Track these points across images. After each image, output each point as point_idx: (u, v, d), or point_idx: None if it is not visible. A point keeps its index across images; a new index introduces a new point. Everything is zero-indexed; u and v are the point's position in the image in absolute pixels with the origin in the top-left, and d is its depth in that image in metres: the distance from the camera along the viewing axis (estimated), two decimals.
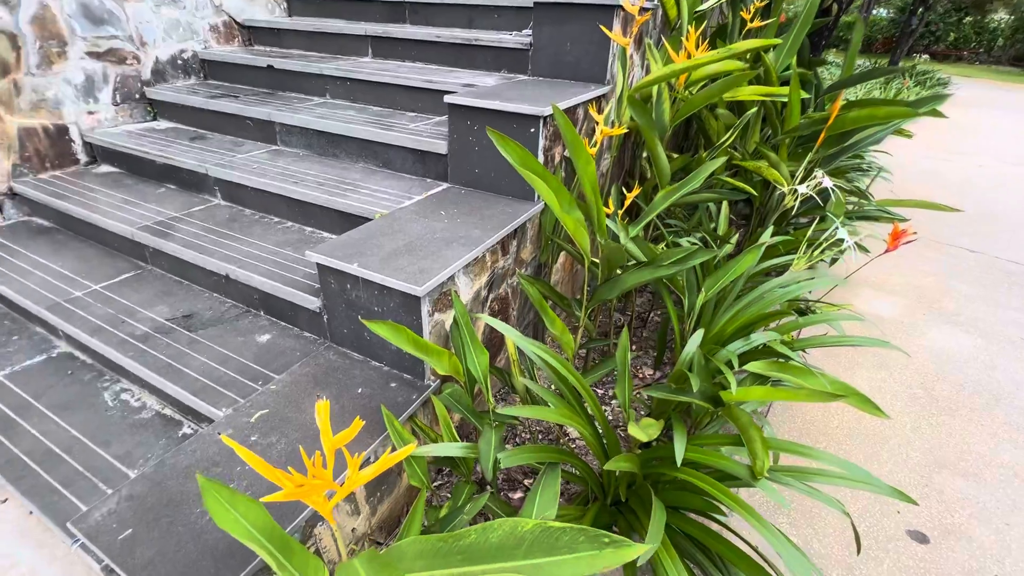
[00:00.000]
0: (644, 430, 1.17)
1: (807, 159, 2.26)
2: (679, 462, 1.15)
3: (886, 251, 1.69)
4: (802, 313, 2.06)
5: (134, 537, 1.02)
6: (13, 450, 1.43)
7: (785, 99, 2.52)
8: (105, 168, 2.57)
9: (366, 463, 1.28)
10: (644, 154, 2.72)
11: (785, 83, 3.01)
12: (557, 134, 1.91)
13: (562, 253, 2.30)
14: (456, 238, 1.55)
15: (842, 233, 1.78)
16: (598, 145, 1.78)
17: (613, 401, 2.07)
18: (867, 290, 2.97)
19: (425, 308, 1.37)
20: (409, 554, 0.77)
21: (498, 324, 1.30)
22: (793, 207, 2.39)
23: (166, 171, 2.35)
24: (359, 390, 1.42)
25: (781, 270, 2.57)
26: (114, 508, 1.08)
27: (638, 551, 0.70)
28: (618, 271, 1.78)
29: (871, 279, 3.09)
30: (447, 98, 1.81)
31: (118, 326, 1.68)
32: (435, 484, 1.67)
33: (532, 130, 1.75)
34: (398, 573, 0.66)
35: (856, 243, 2.17)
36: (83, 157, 2.58)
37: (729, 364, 1.50)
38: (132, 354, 1.55)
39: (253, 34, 3.12)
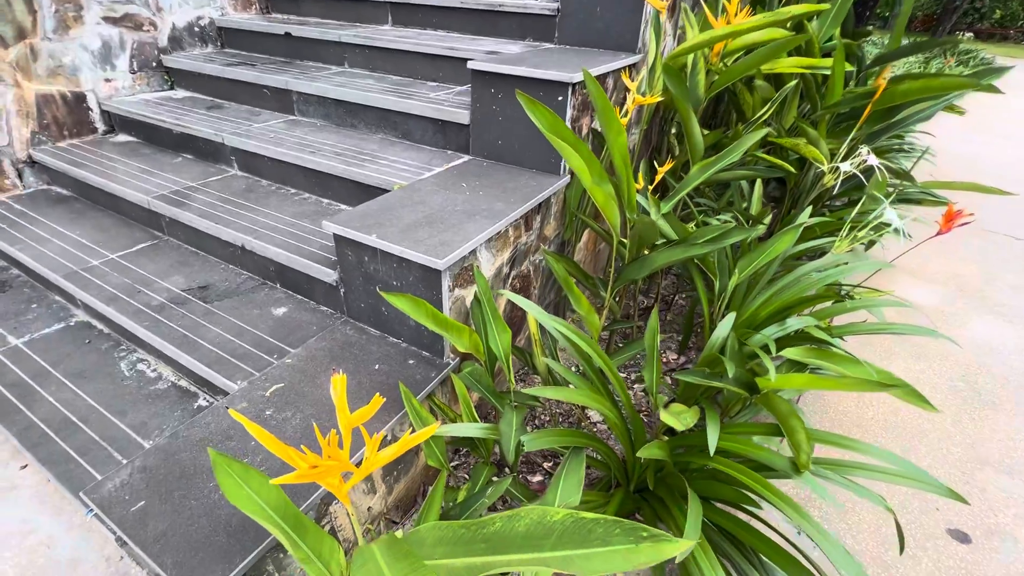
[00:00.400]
0: (676, 417, 1.10)
1: (851, 135, 2.12)
2: (712, 451, 1.08)
3: (938, 234, 1.57)
4: (840, 299, 1.96)
5: (146, 510, 0.99)
6: (31, 417, 1.42)
7: (827, 71, 2.37)
8: (122, 137, 2.54)
9: (384, 443, 1.24)
10: (672, 130, 2.59)
11: (827, 55, 2.84)
12: (585, 104, 1.81)
13: (586, 231, 2.22)
14: (478, 211, 1.48)
15: (890, 214, 1.67)
16: (628, 116, 1.68)
17: (636, 385, 2.00)
18: (904, 277, 2.83)
19: (446, 283, 1.30)
20: (429, 540, 0.72)
21: (522, 301, 1.23)
22: (833, 187, 2.26)
23: (183, 140, 2.31)
24: (376, 366, 1.38)
25: (813, 255, 2.45)
26: (127, 479, 1.05)
27: (678, 547, 0.64)
28: (646, 250, 1.69)
29: (909, 266, 2.94)
30: (470, 64, 1.72)
31: (134, 296, 1.65)
32: (451, 464, 1.63)
33: (560, 98, 1.66)
34: (418, 561, 0.61)
35: (900, 227, 2.05)
36: (101, 126, 2.55)
37: (765, 349, 1.41)
38: (147, 324, 1.53)
39: (271, 1, 3.03)
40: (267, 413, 1.21)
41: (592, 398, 1.16)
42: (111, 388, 1.52)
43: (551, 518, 0.69)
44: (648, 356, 1.41)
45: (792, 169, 2.07)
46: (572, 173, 1.81)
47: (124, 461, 1.29)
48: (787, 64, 2.22)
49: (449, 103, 1.95)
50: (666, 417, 1.08)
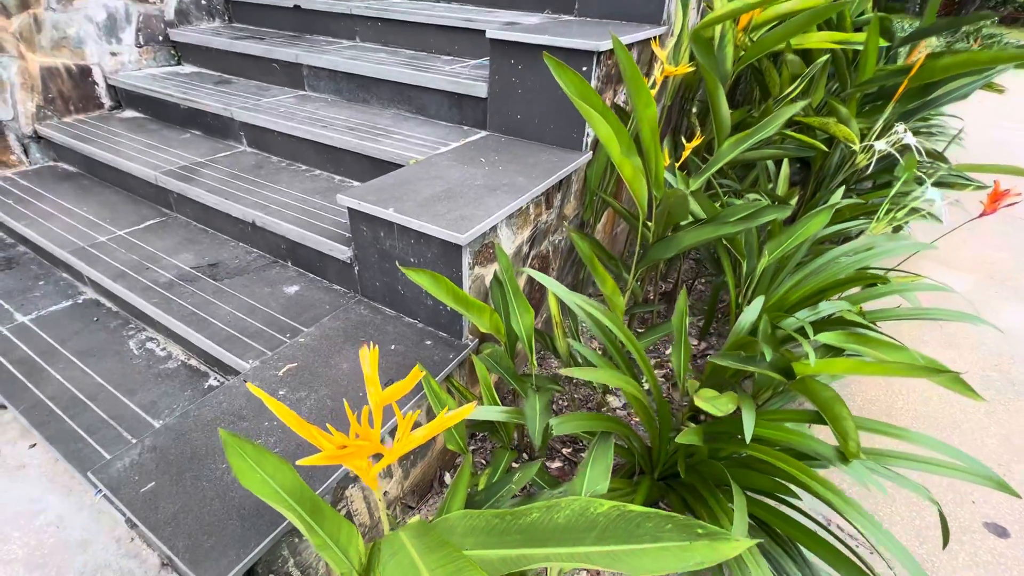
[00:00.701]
0: (711, 402, 1.04)
1: (887, 111, 2.02)
2: (748, 438, 1.02)
3: (982, 215, 1.49)
4: (880, 280, 1.88)
5: (157, 491, 0.95)
6: (38, 395, 1.38)
7: (860, 47, 2.26)
8: (129, 113, 2.48)
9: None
10: (693, 109, 2.50)
11: (859, 29, 2.71)
12: (609, 77, 1.72)
13: (604, 214, 2.14)
14: (499, 186, 1.41)
15: (933, 193, 1.58)
16: (657, 87, 1.59)
17: (657, 371, 1.94)
18: (932, 265, 2.73)
19: (466, 260, 1.24)
20: (459, 529, 0.66)
21: (544, 279, 1.17)
22: (868, 166, 2.15)
23: (190, 116, 2.24)
24: (392, 347, 1.32)
25: (836, 240, 2.36)
26: (136, 459, 1.01)
27: (737, 547, 0.58)
28: (672, 230, 1.62)
29: (936, 253, 2.84)
30: (490, 33, 1.63)
31: (142, 272, 1.61)
32: (469, 449, 1.59)
33: (584, 69, 1.57)
34: (455, 551, 0.55)
35: (931, 212, 1.96)
36: (107, 101, 2.49)
37: (802, 332, 1.35)
38: (156, 301, 1.48)
39: None
40: (280, 393, 1.17)
41: (622, 379, 1.10)
42: (120, 367, 1.48)
43: (594, 510, 0.63)
44: (676, 338, 1.35)
45: (825, 148, 1.97)
46: (595, 149, 1.74)
47: (133, 441, 1.25)
48: (817, 39, 2.12)
49: (466, 76, 1.87)
50: (701, 402, 1.02)
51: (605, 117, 1.22)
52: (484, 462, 1.53)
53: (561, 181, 1.63)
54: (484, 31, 1.69)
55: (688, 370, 1.77)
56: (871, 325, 1.35)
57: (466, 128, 1.89)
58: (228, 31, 2.61)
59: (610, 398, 1.78)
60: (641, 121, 1.39)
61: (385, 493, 1.25)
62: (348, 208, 1.34)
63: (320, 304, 1.49)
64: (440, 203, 1.30)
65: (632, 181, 1.37)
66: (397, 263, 1.36)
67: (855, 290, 1.60)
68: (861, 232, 2.60)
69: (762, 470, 1.15)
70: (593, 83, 1.61)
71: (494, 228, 1.32)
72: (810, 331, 1.29)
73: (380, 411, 0.52)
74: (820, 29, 2.37)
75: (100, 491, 1.14)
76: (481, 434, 1.60)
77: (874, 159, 1.92)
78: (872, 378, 2.00)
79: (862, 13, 2.58)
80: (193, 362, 1.51)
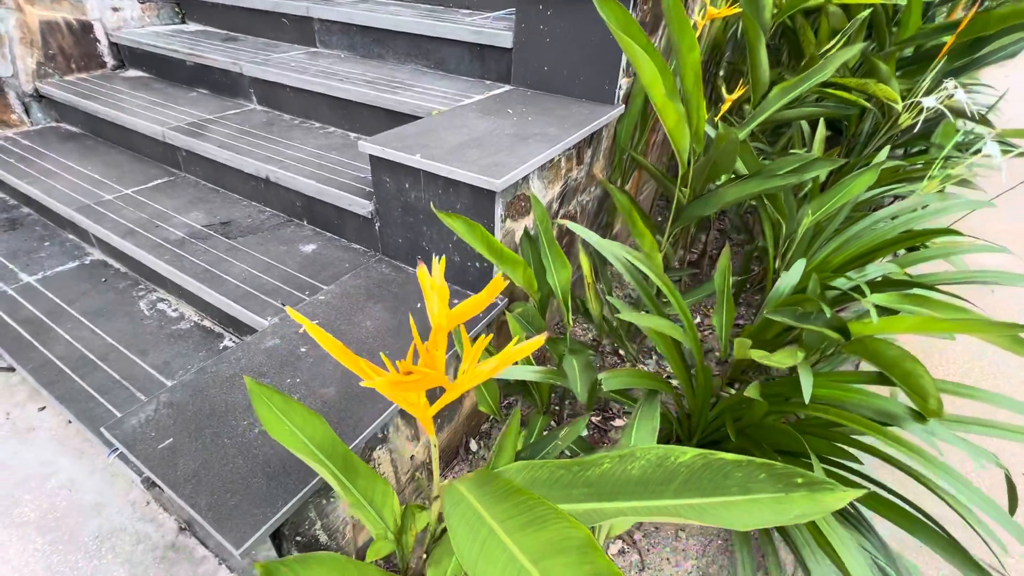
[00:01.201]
0: (769, 358, 0.96)
1: (933, 68, 1.90)
2: (807, 397, 0.95)
3: None
4: (912, 248, 1.79)
5: (175, 447, 0.88)
6: (46, 354, 1.32)
7: (903, 0, 2.13)
8: (133, 72, 2.38)
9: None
10: (720, 72, 2.38)
11: None
12: (644, 24, 1.61)
13: (631, 176, 2.04)
14: (531, 135, 1.31)
15: (992, 148, 1.48)
16: (699, 31, 1.48)
17: None
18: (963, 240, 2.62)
19: (498, 210, 1.16)
20: (519, 481, 0.59)
21: (579, 229, 1.09)
22: (913, 126, 2.03)
23: (197, 73, 2.14)
24: (417, 304, 1.25)
25: (870, 208, 2.26)
26: (152, 416, 0.94)
27: (843, 498, 0.51)
28: (711, 186, 1.53)
29: (968, 226, 2.73)
30: None
31: (151, 230, 1.53)
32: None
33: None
34: (530, 497, 0.48)
35: (1002, 163, 1.84)
36: (110, 60, 2.38)
37: (857, 291, 1.26)
38: (168, 258, 1.40)
39: None
40: (301, 351, 1.10)
41: (675, 329, 1.02)
42: (130, 327, 1.41)
43: (675, 459, 0.56)
44: (719, 298, 1.26)
45: (868, 105, 1.86)
46: (627, 103, 1.63)
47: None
48: None
49: (488, 26, 1.76)
50: (760, 357, 0.94)
51: (650, 54, 1.12)
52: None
53: (592, 135, 1.53)
54: None
55: (729, 334, 1.68)
56: (928, 286, 1.26)
57: (488, 82, 1.79)
58: None
59: (640, 368, 1.71)
60: (684, 67, 1.29)
61: (412, 457, 1.18)
62: (370, 156, 1.25)
63: (339, 262, 1.41)
64: (470, 150, 1.21)
65: (675, 130, 1.28)
66: (420, 218, 1.28)
67: (899, 253, 1.51)
68: (896, 199, 2.49)
69: (817, 433, 1.08)
70: None
71: (526, 179, 1.23)
72: (867, 290, 1.20)
73: (445, 336, 0.44)
74: None
75: (115, 450, 1.08)
76: (510, 399, 1.54)
77: (921, 118, 1.81)
78: (965, 333, 1.91)
79: None
80: (207, 323, 1.44)
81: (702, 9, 1.47)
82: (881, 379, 1.07)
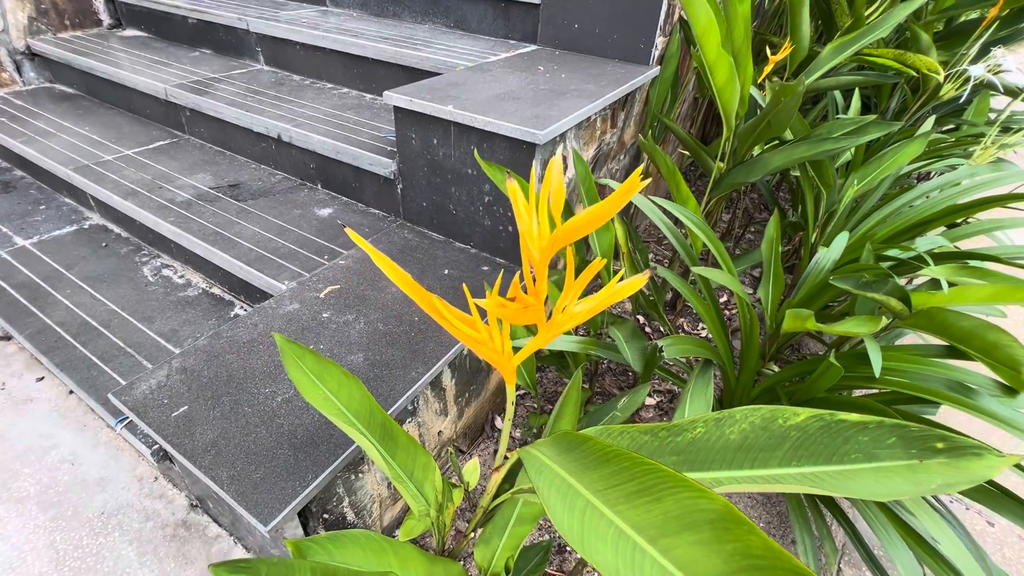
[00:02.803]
0: (841, 325, 0.89)
1: (977, 35, 1.81)
2: (877, 371, 0.88)
3: None
4: (953, 225, 1.71)
5: (190, 416, 0.80)
6: (45, 320, 1.23)
7: None
8: (131, 31, 2.25)
9: (459, 356, 1.04)
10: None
11: None
12: None
13: (661, 143, 1.95)
14: (568, 90, 1.22)
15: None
16: None
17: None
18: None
19: (537, 168, 1.07)
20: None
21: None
22: (957, 96, 1.93)
23: (200, 31, 2.02)
24: (445, 271, 1.16)
25: (901, 186, 2.18)
26: (164, 381, 0.86)
27: (997, 464, 0.43)
28: (754, 152, 1.44)
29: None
30: None
31: (155, 191, 1.43)
32: (519, 393, 1.45)
33: None
34: (638, 461, 0.40)
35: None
36: (106, 18, 2.25)
37: (914, 262, 1.19)
38: (173, 220, 1.31)
39: None
40: (324, 316, 1.01)
41: (736, 284, 0.95)
42: (134, 294, 1.32)
43: (784, 421, 0.48)
44: (766, 268, 1.19)
45: (914, 73, 1.77)
46: (661, 63, 1.54)
47: None
48: None
49: None
50: (835, 327, 0.87)
51: None
52: (534, 407, 1.39)
53: (627, 97, 1.44)
54: None
55: (776, 306, 1.61)
56: (992, 257, 1.19)
57: (513, 42, 1.68)
58: None
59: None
60: (733, 19, 1.19)
61: (440, 433, 1.11)
62: (395, 108, 1.15)
63: (358, 227, 1.32)
64: (505, 103, 1.12)
65: (724, 88, 1.18)
66: (448, 177, 1.19)
67: (941, 229, 1.44)
68: (919, 178, 2.41)
69: (882, 411, 1.01)
70: None
71: (564, 136, 1.14)
72: (929, 260, 1.13)
73: (547, 261, 0.36)
74: None
75: (123, 419, 1.00)
76: (545, 372, 1.46)
77: (968, 87, 1.71)
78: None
79: None
80: (216, 290, 1.35)
81: None
82: (949, 353, 1.00)
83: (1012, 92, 2.05)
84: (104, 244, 1.49)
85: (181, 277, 1.39)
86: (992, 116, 2.22)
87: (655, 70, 1.49)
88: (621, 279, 0.40)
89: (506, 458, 0.63)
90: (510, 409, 0.48)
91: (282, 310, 1.02)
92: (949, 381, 0.89)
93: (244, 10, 1.92)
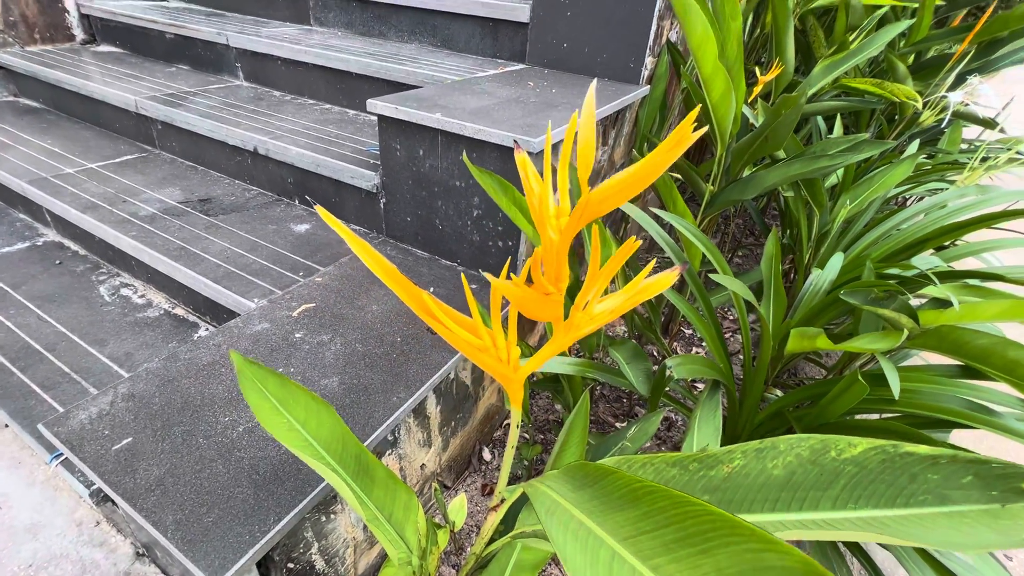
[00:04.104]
0: (855, 343, 0.83)
1: (949, 66, 1.86)
2: (896, 393, 0.82)
3: None
4: (942, 247, 1.71)
5: (135, 448, 0.70)
6: None
7: (915, 3, 2.11)
8: (105, 47, 2.18)
9: (445, 380, 0.95)
10: None
11: None
12: (669, 7, 1.51)
13: None
14: (559, 103, 1.18)
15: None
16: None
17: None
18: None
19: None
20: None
21: (629, 207, 0.95)
22: (940, 122, 1.97)
23: (177, 47, 1.96)
24: (431, 289, 1.08)
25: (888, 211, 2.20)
26: (107, 409, 0.75)
27: None
28: (747, 171, 1.42)
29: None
30: None
31: (117, 205, 1.33)
32: (506, 421, 1.35)
33: None
34: (673, 501, 0.32)
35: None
36: (80, 33, 2.18)
37: (913, 283, 1.15)
38: (135, 234, 1.21)
39: None
40: (296, 336, 0.92)
41: (746, 291, 0.89)
42: (87, 314, 1.21)
43: (837, 454, 0.41)
44: (766, 286, 1.14)
45: (894, 98, 1.79)
46: (651, 83, 1.52)
47: None
48: None
49: None
50: (852, 343, 0.81)
51: (703, 9, 1.01)
52: (525, 438, 1.30)
53: (617, 115, 1.41)
54: None
55: (778, 325, 1.56)
56: (998, 275, 1.16)
57: (501, 61, 1.66)
58: None
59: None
60: (727, 35, 1.18)
61: (422, 466, 1.01)
62: (379, 118, 1.09)
63: (337, 243, 1.24)
64: (496, 112, 1.07)
65: (719, 103, 1.16)
66: (435, 190, 1.12)
67: (930, 252, 1.43)
68: (904, 203, 2.44)
69: (886, 432, 0.95)
70: (658, 3, 1.40)
71: (556, 147, 1.09)
72: (935, 279, 1.09)
73: (569, 240, 0.29)
74: None
75: (57, 455, 0.88)
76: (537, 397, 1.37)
77: (947, 114, 1.74)
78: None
79: None
80: (179, 311, 1.24)
81: None
82: (963, 373, 0.95)
83: (986, 123, 2.11)
84: (58, 262, 1.38)
85: (141, 297, 1.28)
86: (964, 146, 2.27)
87: (645, 89, 1.47)
88: (650, 274, 0.33)
89: (503, 500, 0.54)
90: (514, 433, 0.40)
91: (249, 329, 0.92)
92: (969, 402, 0.84)
93: (224, 26, 1.87)
